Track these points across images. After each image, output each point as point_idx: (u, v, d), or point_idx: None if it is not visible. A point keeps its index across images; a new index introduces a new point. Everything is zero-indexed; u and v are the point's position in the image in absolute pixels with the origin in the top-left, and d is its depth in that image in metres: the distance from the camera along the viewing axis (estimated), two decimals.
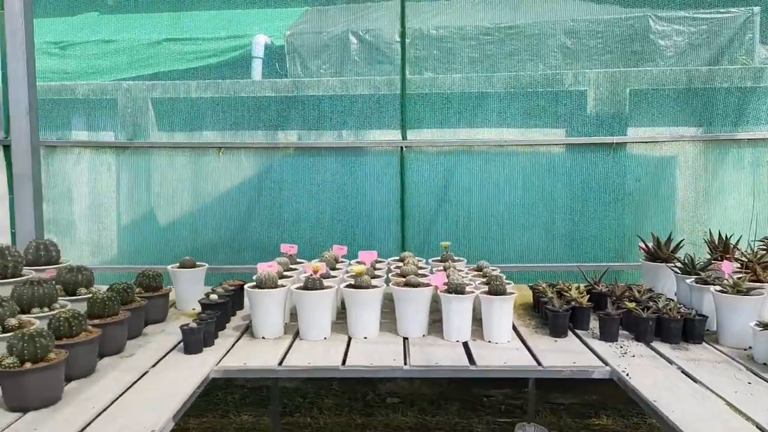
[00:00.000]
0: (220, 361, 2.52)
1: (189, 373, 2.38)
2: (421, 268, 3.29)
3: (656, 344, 2.73)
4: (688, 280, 3.02)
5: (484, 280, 3.04)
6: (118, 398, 2.15)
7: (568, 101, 4.35)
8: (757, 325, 2.49)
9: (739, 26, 4.26)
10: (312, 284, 2.80)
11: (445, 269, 3.16)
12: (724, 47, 4.28)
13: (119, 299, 2.66)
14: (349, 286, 2.87)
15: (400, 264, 3.37)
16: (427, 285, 2.88)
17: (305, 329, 2.81)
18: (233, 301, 3.17)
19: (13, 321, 2.24)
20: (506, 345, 2.73)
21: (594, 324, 2.93)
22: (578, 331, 2.89)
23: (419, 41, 4.43)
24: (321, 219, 4.41)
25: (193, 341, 2.59)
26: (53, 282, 2.65)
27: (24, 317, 2.37)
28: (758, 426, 1.94)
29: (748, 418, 1.99)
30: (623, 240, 4.28)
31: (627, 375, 2.36)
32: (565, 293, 3.03)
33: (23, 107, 3.77)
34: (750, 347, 2.60)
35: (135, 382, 2.30)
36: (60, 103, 4.56)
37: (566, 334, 2.83)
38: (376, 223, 4.39)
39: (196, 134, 4.51)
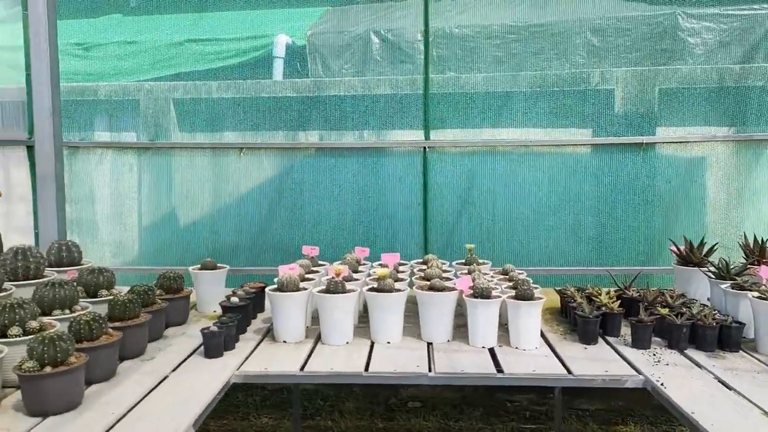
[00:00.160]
0: (240, 365, 2.47)
1: (209, 378, 2.34)
2: (445, 271, 3.21)
3: (691, 352, 2.63)
4: (723, 286, 2.91)
5: (511, 284, 2.97)
6: (138, 403, 2.11)
7: (595, 100, 4.25)
8: None
9: None
10: (334, 287, 2.74)
11: (469, 272, 3.09)
12: (757, 44, 4.15)
13: (140, 301, 2.64)
14: (372, 289, 2.81)
15: (424, 267, 3.30)
16: (452, 289, 2.81)
17: (327, 333, 2.76)
18: (254, 303, 3.13)
19: (34, 323, 2.22)
20: (534, 352, 2.65)
21: (625, 330, 2.84)
22: (609, 338, 2.80)
23: (442, 40, 4.36)
24: (342, 220, 4.36)
25: (214, 345, 2.55)
26: (75, 284, 2.63)
27: (45, 319, 2.35)
28: None
29: None
30: (653, 243, 4.16)
31: (662, 385, 2.27)
32: (595, 298, 2.94)
33: (47, 108, 3.78)
34: None
35: (155, 386, 2.26)
36: (82, 104, 4.57)
37: (596, 341, 2.74)
38: (398, 225, 4.33)
39: (217, 135, 4.49)
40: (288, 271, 2.85)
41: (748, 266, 3.06)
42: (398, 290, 2.81)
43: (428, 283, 2.89)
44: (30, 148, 4.18)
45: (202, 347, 2.60)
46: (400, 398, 4.54)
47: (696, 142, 4.16)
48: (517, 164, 4.26)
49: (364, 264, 3.45)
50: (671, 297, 2.95)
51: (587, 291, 3.08)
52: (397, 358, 2.57)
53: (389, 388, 4.53)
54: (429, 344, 2.75)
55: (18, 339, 2.14)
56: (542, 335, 2.83)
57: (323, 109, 4.41)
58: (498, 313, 2.72)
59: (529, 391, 4.46)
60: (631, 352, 2.62)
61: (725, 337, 2.65)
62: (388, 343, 2.76)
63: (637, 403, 4.32)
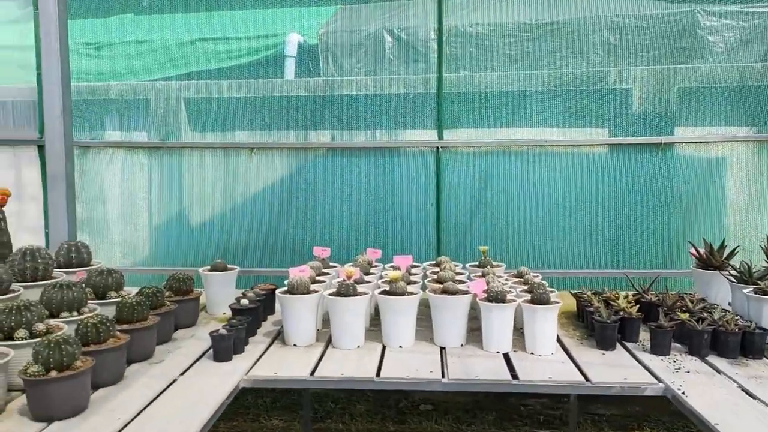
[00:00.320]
0: (250, 369, 2.43)
1: (218, 381, 2.30)
2: (458, 273, 3.15)
3: (712, 359, 2.55)
4: (745, 290, 2.82)
5: (526, 287, 2.90)
6: (145, 408, 2.07)
7: (612, 100, 4.17)
8: None
9: None
10: (345, 290, 2.69)
11: (483, 275, 3.03)
12: None
13: (148, 304, 2.60)
14: (384, 292, 2.76)
15: (437, 269, 3.25)
16: (466, 292, 2.75)
17: (338, 337, 2.71)
18: (264, 305, 3.09)
19: (40, 326, 2.19)
20: (550, 357, 2.58)
21: (643, 336, 2.76)
22: (627, 344, 2.72)
23: (455, 39, 4.30)
24: (354, 221, 4.32)
25: (223, 348, 2.50)
26: (83, 285, 2.60)
27: (53, 322, 2.32)
28: None
29: None
30: (671, 245, 4.08)
31: (683, 393, 2.19)
32: (613, 302, 2.86)
33: (57, 108, 3.76)
34: None
35: (163, 390, 2.22)
36: (93, 104, 4.56)
37: (614, 346, 2.66)
38: (410, 226, 4.28)
39: (228, 134, 4.46)
40: (298, 273, 2.80)
41: None
42: (410, 293, 2.75)
43: (441, 286, 2.83)
44: (41, 148, 4.17)
45: (211, 350, 2.56)
46: (411, 401, 4.49)
47: (716, 142, 4.07)
48: (532, 165, 4.19)
49: (375, 266, 3.40)
50: (691, 301, 2.87)
51: (604, 295, 3.01)
52: (409, 362, 2.52)
53: (401, 391, 4.47)
54: (442, 349, 2.69)
55: (24, 342, 2.11)
56: (558, 340, 2.76)
57: (335, 108, 4.37)
58: (513, 318, 2.66)
59: (544, 395, 4.38)
60: (650, 359, 2.54)
61: (748, 343, 2.56)
62: (400, 347, 2.71)
63: (655, 409, 4.24)
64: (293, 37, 4.53)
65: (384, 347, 2.72)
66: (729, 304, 3.03)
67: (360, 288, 2.78)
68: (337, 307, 2.67)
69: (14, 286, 2.56)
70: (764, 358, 2.55)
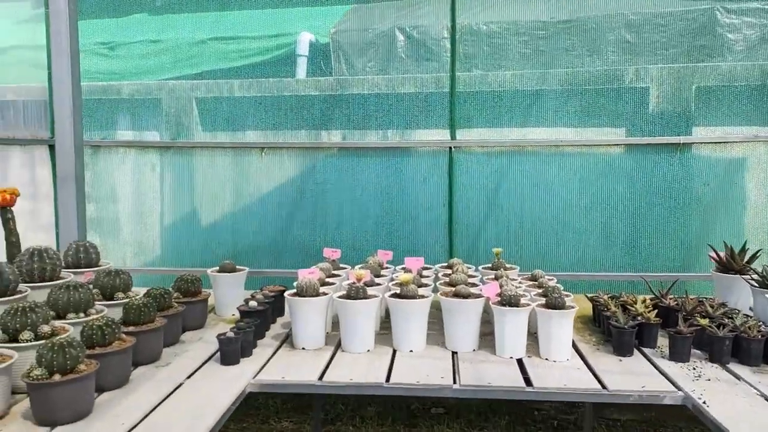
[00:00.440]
0: (257, 373, 2.39)
1: (225, 385, 2.26)
2: (471, 276, 3.09)
3: (733, 366, 2.47)
4: (767, 295, 2.74)
5: (540, 291, 2.83)
6: (149, 413, 2.03)
7: (628, 99, 4.09)
8: None
9: None
10: (355, 293, 2.64)
11: (496, 278, 2.97)
12: None
13: (155, 305, 2.56)
14: (395, 295, 2.70)
15: (449, 271, 3.19)
16: (478, 296, 2.69)
17: (347, 340, 2.66)
18: (273, 307, 3.05)
19: (46, 328, 2.16)
20: (565, 364, 2.51)
21: (662, 342, 2.68)
22: (645, 350, 2.64)
23: (468, 37, 4.24)
24: (365, 222, 4.27)
25: (230, 351, 2.46)
26: (90, 286, 2.57)
27: (58, 323, 2.29)
28: None
29: None
30: (689, 248, 3.98)
31: (704, 402, 2.12)
32: (630, 307, 2.79)
33: (67, 107, 3.75)
34: None
35: (168, 395, 2.18)
36: (105, 103, 4.55)
37: (632, 352, 2.59)
38: (422, 227, 4.22)
39: (239, 134, 4.43)
40: (307, 275, 2.76)
41: None
42: (422, 296, 2.69)
43: (453, 289, 2.77)
44: (51, 147, 4.16)
45: (219, 354, 2.52)
46: (423, 404, 4.43)
47: (736, 142, 3.96)
48: (547, 165, 4.12)
49: (386, 268, 3.34)
50: (711, 306, 2.80)
51: (621, 299, 2.93)
52: (420, 367, 2.46)
53: None
54: (454, 353, 2.64)
55: (29, 344, 2.08)
56: (574, 346, 2.69)
57: (346, 108, 4.32)
58: (527, 322, 2.59)
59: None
60: (669, 366, 2.47)
61: None
62: (411, 351, 2.65)
63: (671, 415, 4.14)
64: (305, 36, 4.49)
65: (394, 351, 2.66)
66: (750, 309, 2.94)
67: (370, 291, 2.73)
68: (347, 311, 2.62)
69: (21, 286, 2.54)
70: None
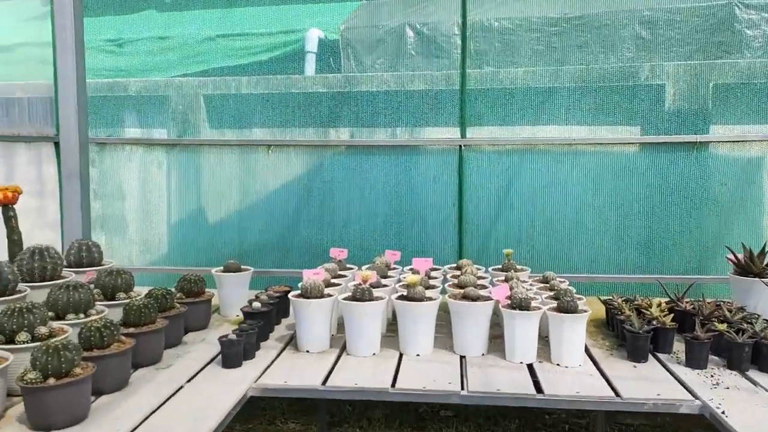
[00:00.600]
0: (259, 377, 2.33)
1: (225, 389, 2.21)
2: (480, 278, 3.02)
3: (753, 373, 2.38)
4: None
5: (552, 293, 2.75)
6: (147, 418, 1.98)
7: (644, 96, 3.99)
8: None
9: None
10: (361, 295, 2.58)
11: (507, 280, 2.89)
12: None
13: (156, 306, 2.51)
14: (402, 297, 2.63)
15: (458, 273, 3.12)
16: (488, 298, 2.61)
17: (353, 343, 2.59)
18: (278, 308, 2.99)
19: (43, 329, 2.11)
20: (577, 369, 2.43)
21: (678, 347, 2.59)
22: (660, 356, 2.56)
23: (479, 34, 4.16)
24: (373, 221, 4.20)
25: (232, 354, 2.41)
26: (90, 286, 2.52)
27: (56, 324, 2.25)
28: None
29: None
30: (706, 250, 3.88)
31: (722, 412, 2.03)
32: (645, 311, 2.70)
33: (72, 104, 3.71)
34: None
35: (168, 398, 2.13)
36: (112, 100, 4.52)
37: (647, 358, 2.50)
38: (431, 227, 4.15)
39: (246, 131, 4.38)
40: (312, 276, 2.69)
41: None
42: (429, 299, 2.62)
43: (462, 291, 2.70)
44: (57, 145, 4.13)
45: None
46: (431, 407, 4.36)
47: (755, 141, 3.86)
48: (559, 164, 4.03)
49: (394, 268, 3.28)
50: (729, 311, 2.70)
51: (636, 302, 2.84)
52: (427, 372, 2.40)
53: None
54: (462, 358, 2.57)
55: (25, 346, 2.03)
56: (586, 350, 2.61)
57: (355, 105, 4.26)
58: (538, 326, 2.51)
59: None
60: (685, 372, 2.38)
61: None
62: (418, 355, 2.58)
63: (686, 421, 4.04)
64: (313, 32, 4.44)
65: (401, 355, 2.60)
66: None
67: (377, 292, 2.67)
68: (352, 313, 2.56)
69: (21, 286, 2.50)
70: None
